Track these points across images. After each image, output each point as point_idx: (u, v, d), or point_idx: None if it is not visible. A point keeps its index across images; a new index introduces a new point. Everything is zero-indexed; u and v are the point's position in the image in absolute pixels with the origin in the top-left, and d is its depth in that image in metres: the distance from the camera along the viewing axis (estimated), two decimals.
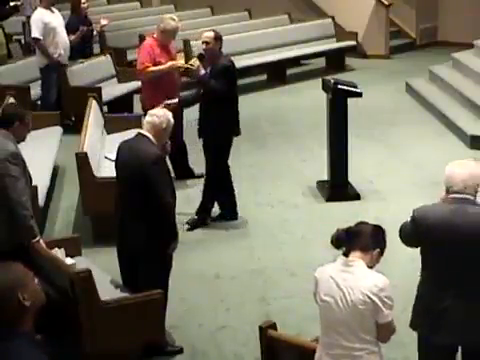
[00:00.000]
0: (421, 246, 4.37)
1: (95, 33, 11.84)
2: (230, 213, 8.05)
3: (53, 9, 10.99)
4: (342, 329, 3.95)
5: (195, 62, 7.80)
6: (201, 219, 7.93)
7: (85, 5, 11.83)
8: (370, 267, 4.04)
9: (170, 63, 8.63)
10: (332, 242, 4.12)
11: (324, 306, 4.01)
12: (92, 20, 12.16)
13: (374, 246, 4.05)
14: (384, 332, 3.98)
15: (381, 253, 4.10)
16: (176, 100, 8.07)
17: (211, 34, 7.74)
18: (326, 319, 4.03)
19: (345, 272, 3.98)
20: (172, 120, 5.69)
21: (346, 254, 4.06)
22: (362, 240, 4.03)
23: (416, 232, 4.35)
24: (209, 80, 7.62)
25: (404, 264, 6.67)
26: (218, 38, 7.73)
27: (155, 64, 8.60)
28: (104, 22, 12.13)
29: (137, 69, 8.84)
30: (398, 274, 6.56)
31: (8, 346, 3.01)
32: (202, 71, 7.73)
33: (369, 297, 3.88)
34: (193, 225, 7.86)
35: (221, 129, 7.66)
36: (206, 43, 7.72)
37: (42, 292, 3.19)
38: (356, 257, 4.01)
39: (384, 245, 4.11)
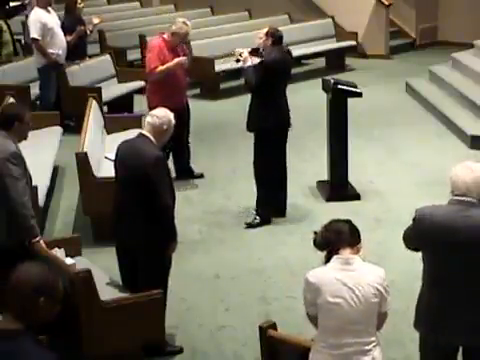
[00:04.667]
0: (422, 246, 4.36)
1: (88, 33, 11.76)
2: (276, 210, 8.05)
3: (49, 9, 10.95)
4: (355, 327, 3.98)
5: (243, 54, 7.85)
6: (262, 216, 7.90)
7: (81, 5, 11.78)
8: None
9: (176, 60, 8.71)
10: (317, 244, 4.14)
11: (332, 308, 3.98)
12: (86, 20, 12.08)
13: (358, 240, 4.13)
14: (383, 319, 4.10)
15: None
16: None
17: (263, 30, 7.84)
18: (336, 320, 3.99)
19: (348, 270, 4.01)
20: (173, 121, 5.67)
21: (333, 253, 4.07)
22: (347, 237, 4.09)
23: (417, 232, 4.35)
24: (248, 73, 7.74)
25: (403, 263, 6.67)
26: (269, 34, 7.76)
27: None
28: (96, 21, 11.95)
29: (147, 71, 8.88)
30: (397, 273, 6.56)
31: (15, 344, 3.00)
32: (248, 63, 7.80)
33: (378, 289, 3.98)
34: (254, 224, 7.88)
35: (259, 122, 7.75)
36: (259, 38, 7.85)
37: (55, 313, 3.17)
38: (348, 254, 4.05)
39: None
